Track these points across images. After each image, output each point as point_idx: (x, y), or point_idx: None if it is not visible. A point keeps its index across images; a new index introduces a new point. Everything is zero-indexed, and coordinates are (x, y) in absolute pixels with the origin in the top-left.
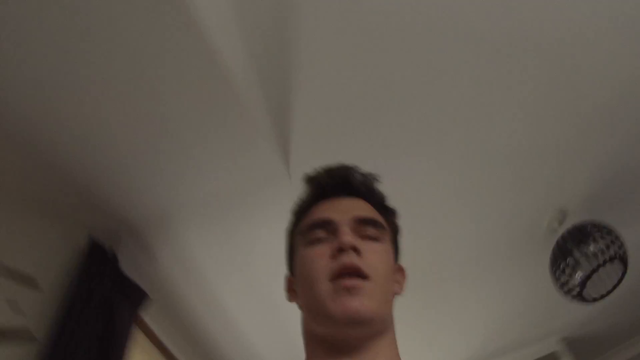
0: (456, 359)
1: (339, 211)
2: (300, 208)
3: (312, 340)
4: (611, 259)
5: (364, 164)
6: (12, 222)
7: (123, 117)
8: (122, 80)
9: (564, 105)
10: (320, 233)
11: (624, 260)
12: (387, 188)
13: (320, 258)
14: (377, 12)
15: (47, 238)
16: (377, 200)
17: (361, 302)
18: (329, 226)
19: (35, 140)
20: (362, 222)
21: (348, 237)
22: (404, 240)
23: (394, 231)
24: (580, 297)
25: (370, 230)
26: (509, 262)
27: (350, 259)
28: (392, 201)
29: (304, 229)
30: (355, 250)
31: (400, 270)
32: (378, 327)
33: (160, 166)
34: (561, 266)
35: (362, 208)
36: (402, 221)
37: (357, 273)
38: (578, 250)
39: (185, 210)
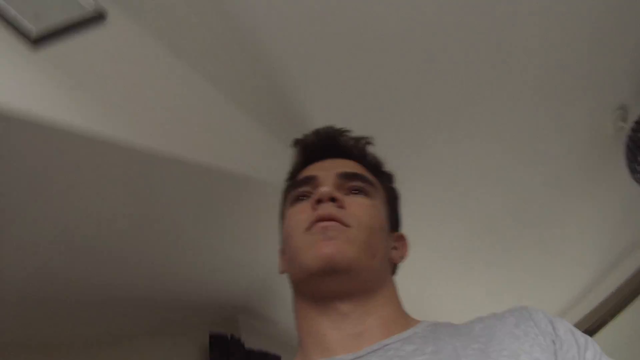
0: (578, 289)
1: (324, 168)
2: (291, 173)
3: (300, 308)
4: None
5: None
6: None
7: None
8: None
9: None
10: (304, 190)
11: None
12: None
13: (301, 213)
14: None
15: (178, 351)
16: (369, 163)
17: (337, 246)
18: (312, 182)
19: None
20: (346, 177)
21: (326, 187)
22: (483, 202)
23: (390, 195)
24: None
25: (356, 184)
26: (589, 181)
27: (327, 209)
28: (457, 167)
29: (289, 188)
30: (335, 200)
31: (400, 238)
32: (361, 282)
33: (246, 250)
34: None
35: (348, 166)
36: (472, 184)
37: (336, 221)
38: None
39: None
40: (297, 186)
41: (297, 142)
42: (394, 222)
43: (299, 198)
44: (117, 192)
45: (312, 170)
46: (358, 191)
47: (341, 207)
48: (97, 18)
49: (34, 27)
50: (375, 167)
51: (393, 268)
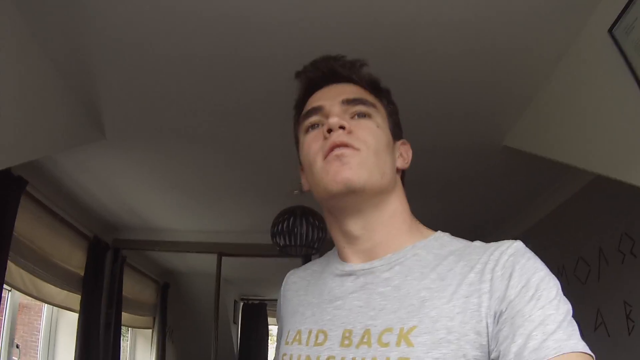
0: None
1: (328, 97)
2: (297, 102)
3: (327, 219)
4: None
5: None
6: None
7: None
8: None
9: None
10: (314, 119)
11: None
12: None
13: (315, 141)
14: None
15: None
16: (367, 83)
17: (352, 170)
18: (320, 111)
19: None
20: (350, 102)
21: (335, 118)
22: None
23: (390, 110)
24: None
25: (360, 108)
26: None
27: (338, 137)
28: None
29: (301, 119)
30: (344, 128)
31: (404, 144)
32: (374, 197)
33: None
34: (280, 220)
35: (350, 91)
36: None
37: (347, 147)
38: (296, 218)
39: None
40: (307, 116)
41: (299, 74)
42: (396, 133)
43: (311, 127)
44: None
45: (318, 100)
46: (362, 115)
47: (349, 132)
48: None
49: None
50: (373, 86)
51: (401, 174)
